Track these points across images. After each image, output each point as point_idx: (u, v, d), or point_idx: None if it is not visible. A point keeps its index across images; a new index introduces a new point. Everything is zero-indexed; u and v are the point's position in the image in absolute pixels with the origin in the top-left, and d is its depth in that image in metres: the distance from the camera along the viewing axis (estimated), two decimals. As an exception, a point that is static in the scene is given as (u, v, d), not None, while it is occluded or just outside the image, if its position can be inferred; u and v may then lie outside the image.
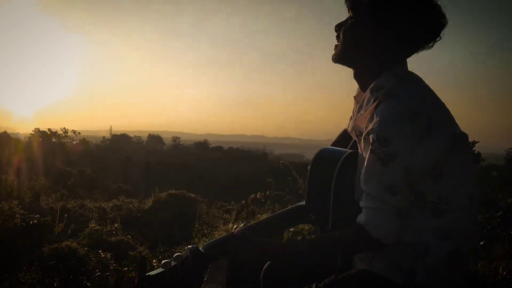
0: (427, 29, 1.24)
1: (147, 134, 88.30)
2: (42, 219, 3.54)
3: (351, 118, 1.41)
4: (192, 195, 9.39)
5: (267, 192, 4.06)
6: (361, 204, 1.20)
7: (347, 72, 1.38)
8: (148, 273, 1.21)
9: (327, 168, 1.33)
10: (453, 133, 1.21)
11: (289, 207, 1.55)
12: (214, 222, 7.55)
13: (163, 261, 1.24)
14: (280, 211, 1.54)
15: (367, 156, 1.19)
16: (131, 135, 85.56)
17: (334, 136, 1.62)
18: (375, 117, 1.17)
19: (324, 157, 1.40)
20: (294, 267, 1.42)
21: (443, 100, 1.28)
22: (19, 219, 2.94)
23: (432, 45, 1.27)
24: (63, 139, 66.01)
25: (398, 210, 1.16)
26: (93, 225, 4.75)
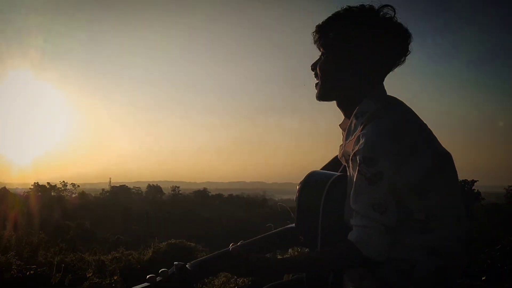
0: (396, 48, 1.31)
1: (147, 184, 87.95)
2: (38, 269, 3.49)
3: (341, 145, 1.44)
4: (192, 244, 9.26)
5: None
6: (351, 222, 1.23)
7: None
8: (134, 287, 1.21)
9: (316, 191, 1.35)
10: (436, 153, 1.24)
11: (280, 229, 1.56)
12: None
13: (148, 276, 1.24)
14: (270, 232, 1.55)
15: (355, 177, 1.22)
16: (131, 186, 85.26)
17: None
18: (361, 139, 1.21)
19: (313, 179, 1.42)
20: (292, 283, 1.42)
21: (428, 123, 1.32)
22: (15, 271, 2.90)
23: (404, 60, 1.34)
24: (62, 192, 65.70)
25: (386, 227, 1.19)
26: (90, 274, 4.65)
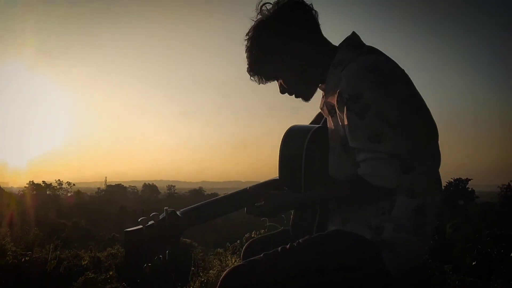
0: (302, 14, 1.38)
1: (142, 183, 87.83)
2: (34, 256, 3.49)
3: (322, 96, 1.49)
4: (188, 240, 9.28)
5: (261, 231, 4.06)
6: (356, 159, 1.27)
7: None
8: (126, 229, 1.26)
9: (297, 143, 1.39)
10: (408, 86, 1.31)
11: (266, 180, 1.59)
12: (210, 267, 7.43)
13: (140, 218, 1.28)
14: (259, 183, 1.58)
15: (345, 116, 1.27)
16: (126, 185, 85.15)
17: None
18: (342, 79, 1.27)
19: (293, 133, 1.46)
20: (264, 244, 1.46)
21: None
22: (11, 257, 2.91)
23: (308, 10, 1.39)
24: (58, 191, 65.49)
25: (388, 155, 1.23)
26: (85, 262, 4.68)
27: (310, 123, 1.65)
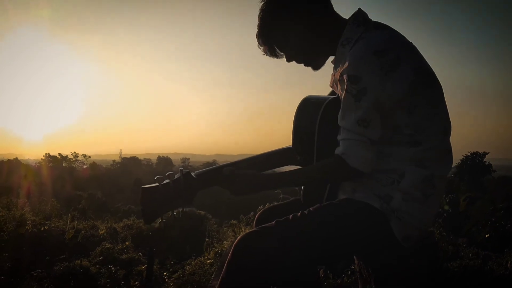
0: None
1: (157, 156, 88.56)
2: (52, 225, 3.58)
3: (332, 74, 1.50)
4: (202, 212, 9.40)
5: (275, 203, 4.08)
6: (339, 137, 1.32)
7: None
8: (143, 186, 1.31)
9: (311, 112, 1.42)
10: (419, 68, 1.30)
11: (279, 148, 1.60)
12: (224, 238, 7.54)
13: (156, 177, 1.32)
14: (268, 151, 1.58)
15: (343, 95, 1.30)
16: (141, 157, 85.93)
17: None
18: (347, 60, 1.29)
19: (308, 102, 1.48)
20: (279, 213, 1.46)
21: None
22: (30, 226, 2.99)
23: None
24: (74, 164, 66.41)
25: (371, 141, 1.28)
26: (102, 232, 4.79)
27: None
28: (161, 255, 7.49)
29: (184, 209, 1.41)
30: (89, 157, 71.22)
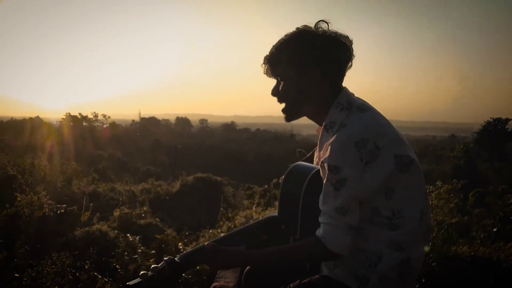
0: (340, 57, 1.44)
1: (175, 117, 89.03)
2: (69, 208, 3.70)
3: (316, 153, 1.58)
4: (218, 178, 9.52)
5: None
6: (320, 219, 1.38)
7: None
8: (128, 283, 1.40)
9: (297, 183, 1.50)
10: (396, 155, 1.35)
11: (264, 218, 1.69)
12: (240, 205, 7.64)
13: (141, 272, 1.43)
14: (256, 221, 1.69)
15: (324, 181, 1.37)
16: (159, 118, 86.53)
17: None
18: (329, 148, 1.35)
19: (295, 172, 1.57)
20: (266, 271, 1.57)
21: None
22: (47, 209, 3.10)
23: (351, 64, 1.46)
24: (94, 123, 67.29)
25: (349, 226, 1.34)
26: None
27: (308, 156, 1.73)
28: (179, 221, 7.69)
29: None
30: (109, 117, 72.02)
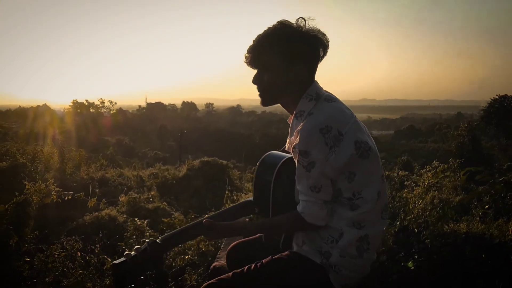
0: (314, 52, 1.59)
1: (181, 101, 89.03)
2: (75, 195, 3.80)
3: (289, 140, 1.74)
4: (224, 162, 9.60)
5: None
6: (299, 197, 1.57)
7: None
8: (114, 262, 1.55)
9: (268, 170, 1.69)
10: (356, 141, 1.53)
11: (242, 201, 1.91)
12: (245, 187, 7.74)
13: (125, 252, 1.58)
14: (235, 204, 1.91)
15: (296, 164, 1.56)
16: (166, 103, 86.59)
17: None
18: (298, 134, 1.53)
19: (267, 160, 1.75)
20: (252, 246, 1.84)
21: None
22: (55, 196, 3.21)
23: (324, 56, 1.62)
24: (100, 110, 67.59)
25: (324, 201, 1.54)
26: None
27: (284, 147, 1.87)
28: (185, 204, 7.80)
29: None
30: (115, 103, 72.30)
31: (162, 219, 4.29)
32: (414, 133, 54.89)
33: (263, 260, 1.64)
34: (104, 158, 15.47)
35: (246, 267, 1.63)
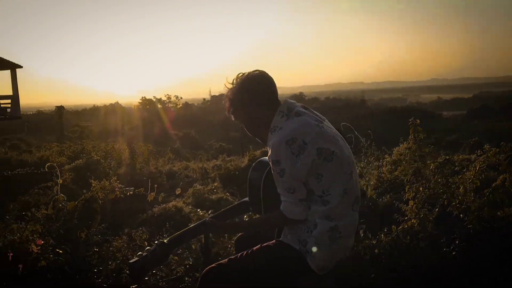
0: (269, 92, 1.98)
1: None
2: (136, 191, 4.13)
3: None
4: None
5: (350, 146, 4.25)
6: (281, 198, 1.90)
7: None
8: (129, 261, 1.88)
9: (259, 175, 2.04)
10: (318, 148, 1.84)
11: (239, 201, 2.33)
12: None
13: (138, 253, 1.91)
14: (234, 204, 2.32)
15: (272, 172, 1.89)
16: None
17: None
18: (270, 148, 1.88)
19: (258, 166, 2.10)
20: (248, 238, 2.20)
21: None
22: (118, 192, 3.55)
23: (276, 91, 2.02)
24: (167, 105, 69.86)
25: (299, 199, 1.86)
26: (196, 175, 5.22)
27: None
28: (247, 194, 8.01)
29: None
30: (181, 98, 74.42)
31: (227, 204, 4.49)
32: (488, 112, 52.02)
33: (254, 248, 1.98)
34: (171, 152, 16.14)
35: (239, 253, 1.99)
